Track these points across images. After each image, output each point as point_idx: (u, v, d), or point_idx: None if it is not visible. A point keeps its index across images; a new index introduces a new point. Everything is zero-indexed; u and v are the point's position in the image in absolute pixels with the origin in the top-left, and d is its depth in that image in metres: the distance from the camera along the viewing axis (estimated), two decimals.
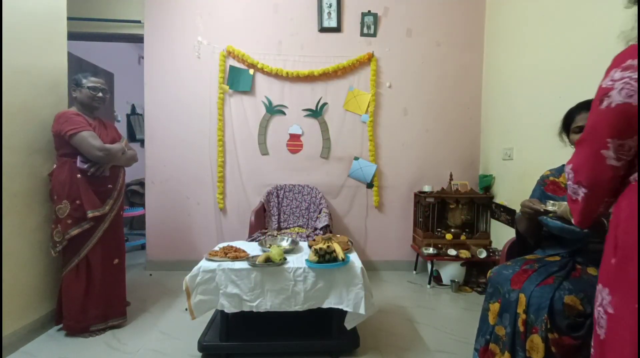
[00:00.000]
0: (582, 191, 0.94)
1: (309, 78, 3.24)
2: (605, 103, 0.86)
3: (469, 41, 3.31)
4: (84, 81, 2.11)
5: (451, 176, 3.15)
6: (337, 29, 3.23)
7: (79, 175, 2.03)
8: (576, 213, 0.97)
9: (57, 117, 2.03)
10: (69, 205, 2.01)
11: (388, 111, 3.32)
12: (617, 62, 0.87)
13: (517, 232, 1.66)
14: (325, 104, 3.28)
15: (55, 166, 2.08)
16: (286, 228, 3.08)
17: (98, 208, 2.06)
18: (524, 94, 2.71)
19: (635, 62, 0.82)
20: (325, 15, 3.20)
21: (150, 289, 2.82)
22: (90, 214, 2.02)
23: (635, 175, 0.88)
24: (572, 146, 1.16)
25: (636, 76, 0.81)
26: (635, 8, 0.95)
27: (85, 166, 2.03)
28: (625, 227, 0.85)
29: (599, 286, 0.92)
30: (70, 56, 2.71)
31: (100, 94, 2.15)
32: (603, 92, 0.87)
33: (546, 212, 1.34)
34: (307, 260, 1.81)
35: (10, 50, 1.88)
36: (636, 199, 0.86)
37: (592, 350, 0.95)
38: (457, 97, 3.33)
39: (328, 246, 1.80)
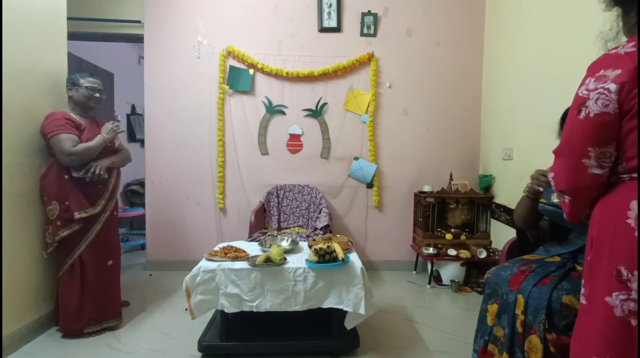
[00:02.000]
0: (567, 198, 0.98)
1: (309, 78, 3.24)
2: (583, 113, 0.90)
3: (469, 41, 3.31)
4: (82, 80, 2.09)
5: (451, 176, 3.15)
6: (337, 29, 3.23)
7: (66, 176, 2.01)
8: (565, 214, 1.02)
9: (46, 117, 2.01)
10: (58, 206, 1.99)
11: (388, 111, 3.32)
12: (592, 71, 0.91)
13: (518, 227, 1.67)
14: (325, 104, 3.28)
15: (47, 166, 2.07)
16: (286, 228, 3.08)
17: (86, 208, 2.03)
18: (524, 94, 2.71)
19: (607, 72, 0.87)
20: (325, 15, 3.20)
21: (150, 289, 2.82)
22: (77, 216, 1.99)
23: (611, 177, 0.93)
24: None
25: (607, 87, 0.86)
26: (613, 11, 0.98)
27: (80, 173, 2.01)
28: (598, 227, 0.93)
29: (582, 283, 1.00)
30: (70, 56, 2.71)
31: (97, 95, 2.14)
32: (580, 102, 0.91)
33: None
34: (307, 260, 1.81)
35: (10, 50, 1.88)
36: (608, 200, 0.93)
37: None
38: (457, 98, 3.33)
39: (328, 246, 1.80)
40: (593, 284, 0.94)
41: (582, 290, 0.98)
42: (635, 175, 0.88)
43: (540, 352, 1.23)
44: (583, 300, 0.97)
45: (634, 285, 0.85)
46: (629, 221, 0.85)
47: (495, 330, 1.40)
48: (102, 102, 2.22)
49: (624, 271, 0.86)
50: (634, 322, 0.85)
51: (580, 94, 0.91)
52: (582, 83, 0.92)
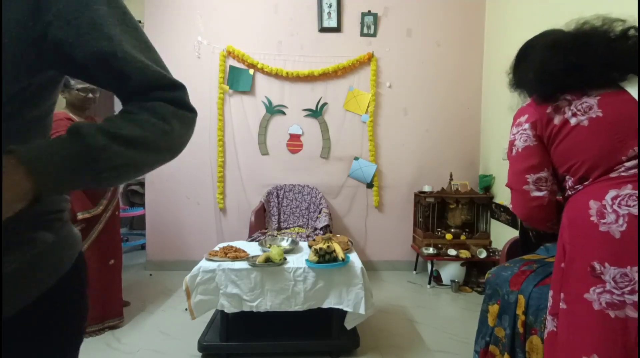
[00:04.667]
0: (527, 222, 1.20)
1: (309, 78, 3.24)
2: (514, 150, 1.15)
3: (468, 41, 3.31)
4: (72, 82, 2.04)
5: (451, 176, 3.15)
6: (337, 29, 3.23)
7: None
8: None
9: None
10: None
11: (388, 111, 3.31)
12: (513, 121, 1.18)
13: (521, 226, 1.66)
14: (325, 104, 3.28)
15: None
16: (286, 228, 3.08)
17: (89, 209, 2.04)
18: None
19: (521, 119, 1.13)
20: (325, 15, 3.20)
21: (150, 289, 2.82)
22: (80, 216, 1.99)
23: (567, 191, 1.09)
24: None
25: (524, 127, 1.11)
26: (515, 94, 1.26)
27: None
28: (569, 232, 1.02)
29: (550, 293, 1.07)
30: None
31: (90, 95, 2.10)
32: (511, 144, 1.16)
33: None
34: (307, 260, 1.81)
35: None
36: (570, 208, 1.04)
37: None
38: (457, 97, 3.33)
39: (328, 246, 1.80)
40: (570, 286, 0.99)
41: (562, 296, 1.01)
42: (587, 183, 1.02)
43: (541, 352, 1.23)
44: (563, 305, 1.00)
45: (607, 277, 0.91)
46: (591, 219, 0.96)
47: (496, 330, 1.40)
48: (96, 102, 2.18)
49: (597, 265, 0.93)
50: (612, 314, 0.90)
51: (510, 139, 1.17)
52: (510, 132, 1.18)
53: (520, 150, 1.12)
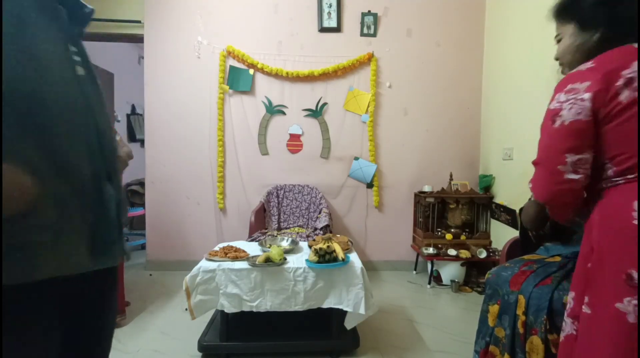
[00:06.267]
0: (547, 206, 1.01)
1: (309, 78, 3.23)
2: (558, 122, 0.94)
3: (468, 41, 3.31)
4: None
5: (451, 176, 3.15)
6: (337, 29, 3.23)
7: None
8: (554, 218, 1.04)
9: None
10: None
11: (388, 111, 3.31)
12: (560, 87, 0.97)
13: (521, 226, 1.66)
14: (325, 104, 3.27)
15: None
16: (286, 228, 3.08)
17: None
18: (524, 93, 2.71)
19: (576, 85, 0.92)
20: (325, 15, 3.20)
21: (150, 289, 2.82)
22: None
23: (603, 182, 0.94)
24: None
25: (580, 97, 0.91)
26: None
27: None
28: (599, 231, 0.91)
29: (571, 294, 0.98)
30: None
31: None
32: (553, 113, 0.95)
33: None
34: (307, 260, 1.81)
35: None
36: (606, 204, 0.92)
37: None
38: (457, 97, 3.33)
39: (328, 246, 1.80)
40: (597, 291, 0.90)
41: (585, 299, 0.93)
42: (630, 177, 0.88)
43: (541, 352, 1.23)
44: (587, 309, 0.92)
45: None
46: (634, 221, 0.84)
47: (496, 330, 1.40)
48: None
49: (635, 275, 0.82)
50: None
51: (552, 107, 0.96)
52: (552, 99, 0.97)
53: (567, 123, 0.91)
